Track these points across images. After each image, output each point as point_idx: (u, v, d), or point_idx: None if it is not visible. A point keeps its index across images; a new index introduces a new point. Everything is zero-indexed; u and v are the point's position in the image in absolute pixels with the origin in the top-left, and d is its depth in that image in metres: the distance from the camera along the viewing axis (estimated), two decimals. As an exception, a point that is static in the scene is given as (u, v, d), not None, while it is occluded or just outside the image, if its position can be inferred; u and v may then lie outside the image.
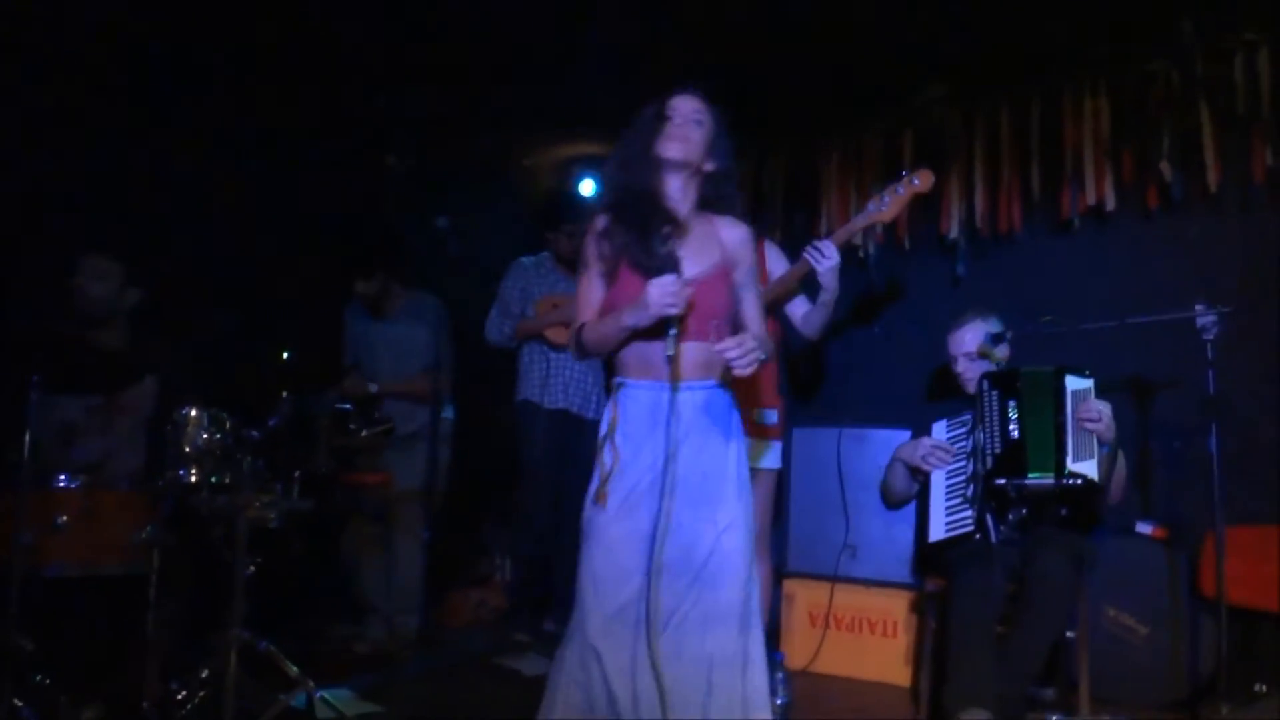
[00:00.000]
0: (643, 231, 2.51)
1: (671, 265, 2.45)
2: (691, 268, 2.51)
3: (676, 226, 2.54)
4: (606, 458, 2.50)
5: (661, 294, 2.38)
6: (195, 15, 4.01)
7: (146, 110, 4.47)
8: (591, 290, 2.61)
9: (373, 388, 4.55)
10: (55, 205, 4.04)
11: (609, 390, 2.62)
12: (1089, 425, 3.28)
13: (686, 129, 2.57)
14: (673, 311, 2.39)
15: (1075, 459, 3.29)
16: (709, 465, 2.50)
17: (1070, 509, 3.36)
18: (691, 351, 2.50)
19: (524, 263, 4.68)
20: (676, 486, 2.43)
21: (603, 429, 2.56)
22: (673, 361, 2.45)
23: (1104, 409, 3.28)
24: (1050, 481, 3.29)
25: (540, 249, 4.72)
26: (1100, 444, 3.29)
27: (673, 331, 2.41)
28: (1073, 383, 3.37)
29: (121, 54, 4.23)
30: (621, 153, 2.62)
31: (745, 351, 2.36)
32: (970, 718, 2.93)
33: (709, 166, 2.61)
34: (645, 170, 2.57)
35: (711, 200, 2.64)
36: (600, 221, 2.62)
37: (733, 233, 2.63)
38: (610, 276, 2.56)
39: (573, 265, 4.53)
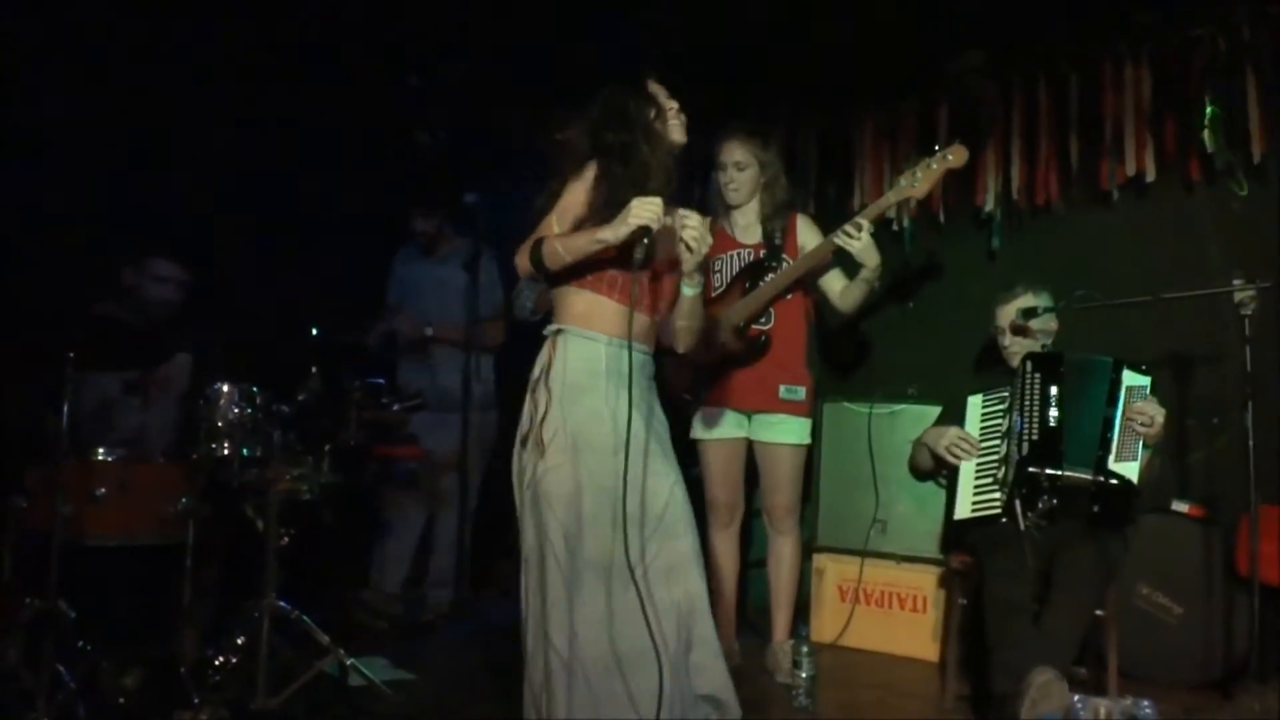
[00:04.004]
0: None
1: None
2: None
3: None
4: (540, 401, 2.53)
5: (644, 205, 2.39)
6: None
7: (173, 89, 4.49)
8: (573, 199, 2.58)
9: (428, 330, 4.53)
10: (88, 186, 4.10)
11: None
12: (1139, 428, 3.15)
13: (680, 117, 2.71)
14: (651, 223, 2.39)
15: (1118, 458, 3.15)
16: (654, 425, 2.62)
17: (1102, 508, 3.19)
18: (639, 323, 2.54)
19: None
20: (632, 442, 2.45)
21: (535, 372, 2.59)
22: (638, 280, 2.48)
23: (1158, 415, 3.15)
24: (1087, 477, 3.15)
25: None
26: (1145, 446, 3.17)
27: (646, 241, 2.40)
28: (1129, 378, 3.23)
29: (157, 36, 4.27)
30: (636, 127, 2.61)
31: (698, 224, 2.47)
32: (1042, 678, 2.75)
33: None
34: (660, 150, 2.63)
35: None
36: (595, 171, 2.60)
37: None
38: (592, 220, 2.54)
39: None
